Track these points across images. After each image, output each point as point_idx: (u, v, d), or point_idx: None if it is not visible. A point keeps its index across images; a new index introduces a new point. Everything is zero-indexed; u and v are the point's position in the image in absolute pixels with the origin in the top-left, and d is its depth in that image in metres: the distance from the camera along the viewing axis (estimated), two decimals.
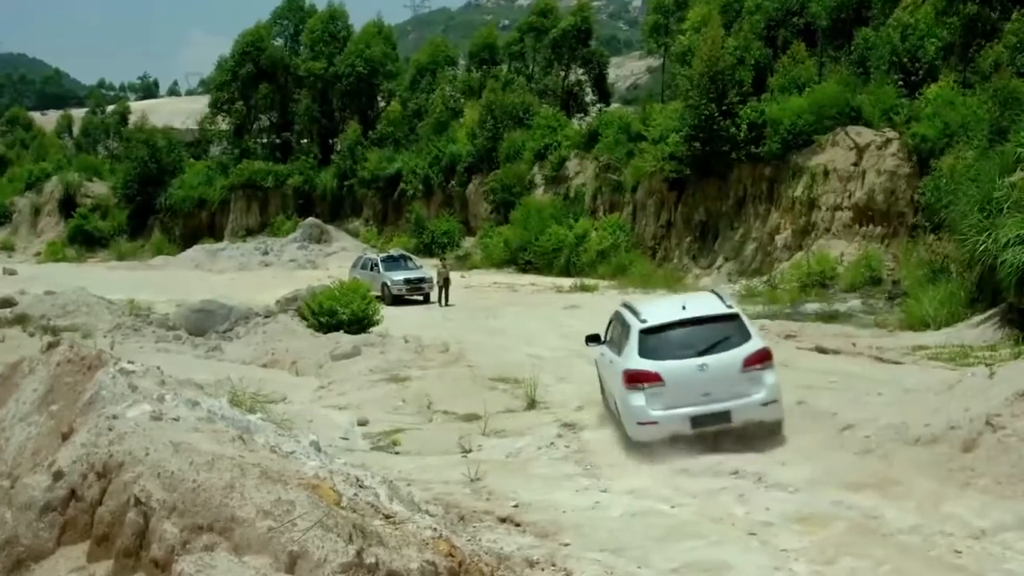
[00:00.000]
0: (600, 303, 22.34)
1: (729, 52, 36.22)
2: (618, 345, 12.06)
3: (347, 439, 13.41)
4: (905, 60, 33.91)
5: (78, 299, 25.68)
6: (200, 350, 22.60)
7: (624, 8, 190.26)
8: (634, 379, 11.15)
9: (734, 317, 11.60)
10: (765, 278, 32.27)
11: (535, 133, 48.47)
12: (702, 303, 12.15)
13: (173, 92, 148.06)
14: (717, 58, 35.55)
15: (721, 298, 12.25)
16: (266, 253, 52.43)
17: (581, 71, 59.58)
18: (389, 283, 32.97)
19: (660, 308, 12.34)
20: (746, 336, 11.35)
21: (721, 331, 11.36)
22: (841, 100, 33.74)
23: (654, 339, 11.34)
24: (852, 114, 33.55)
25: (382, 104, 64.37)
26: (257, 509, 5.32)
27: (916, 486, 9.29)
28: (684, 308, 11.75)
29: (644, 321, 11.60)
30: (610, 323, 13.10)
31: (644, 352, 11.24)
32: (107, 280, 38.26)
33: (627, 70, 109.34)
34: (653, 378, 11.01)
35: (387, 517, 6.06)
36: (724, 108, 35.30)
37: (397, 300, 32.15)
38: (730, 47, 36.46)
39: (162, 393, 7.27)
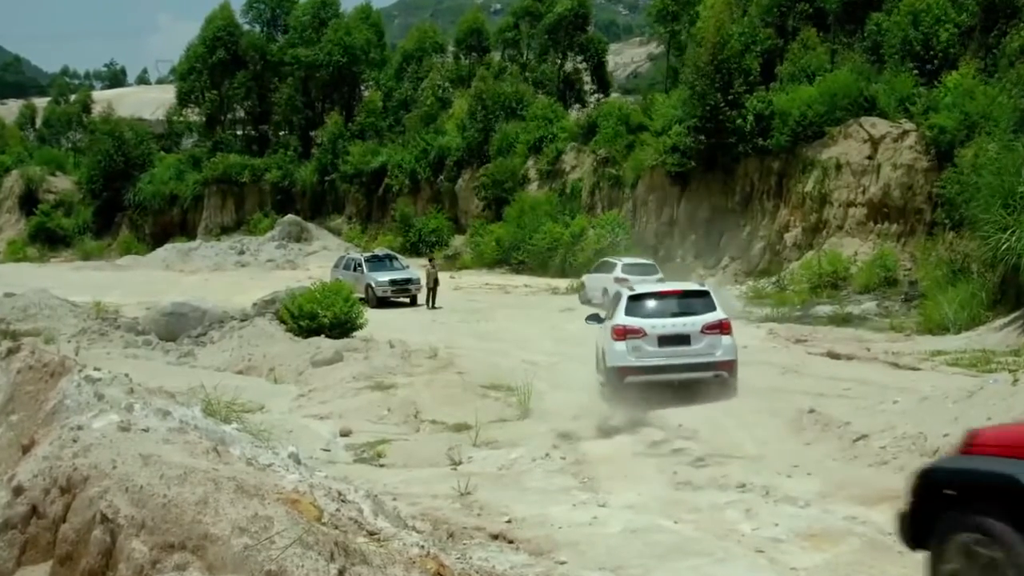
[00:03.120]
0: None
1: (735, 38, 36.29)
2: (611, 313, 16.08)
3: (329, 450, 13.40)
4: (918, 48, 34.02)
5: (40, 301, 25.59)
6: (171, 356, 22.58)
7: None
8: (621, 332, 15.09)
9: (704, 294, 15.88)
10: (774, 279, 32.37)
11: (529, 125, 48.53)
12: (683, 284, 17.63)
13: (142, 80, 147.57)
14: (722, 44, 35.62)
15: (701, 284, 17.47)
16: (242, 252, 52.36)
17: (579, 59, 59.64)
18: (373, 284, 32.95)
19: (648, 285, 18.02)
20: (711, 308, 15.37)
21: (692, 303, 15.60)
22: (854, 89, 33.85)
23: (639, 304, 15.55)
24: (866, 104, 33.66)
25: (366, 94, 64.35)
26: (232, 526, 5.31)
27: None
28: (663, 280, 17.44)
29: (632, 290, 16.60)
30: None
31: (630, 313, 15.37)
32: (71, 281, 38.16)
33: (627, 57, 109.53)
34: (637, 331, 14.99)
35: (371, 534, 6.06)
36: (730, 98, 35.38)
37: (382, 302, 32.13)
38: (736, 33, 36.54)
39: (131, 402, 7.26)
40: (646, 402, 14.21)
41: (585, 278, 32.12)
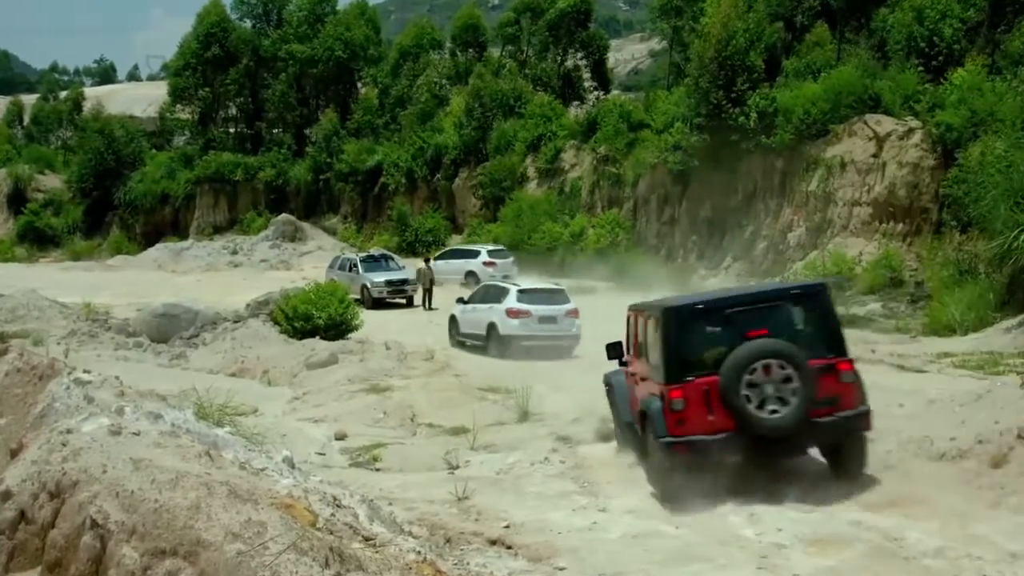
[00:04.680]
0: (599, 306, 22.36)
1: (740, 34, 36.30)
2: (495, 300, 23.08)
3: (323, 454, 13.41)
4: (923, 44, 34.04)
5: (28, 302, 25.60)
6: (163, 358, 22.59)
7: None
8: (515, 313, 22.29)
9: (563, 290, 23.81)
10: (777, 279, 32.33)
11: (528, 122, 48.49)
12: (551, 284, 25.37)
13: (133, 77, 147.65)
14: (727, 40, 35.63)
15: (557, 283, 25.67)
16: (235, 252, 52.33)
17: (579, 55, 59.64)
18: (369, 285, 32.95)
19: (527, 282, 25.40)
20: (568, 300, 22.95)
21: (556, 296, 23.17)
22: (859, 86, 33.84)
23: (525, 295, 22.79)
24: (871, 101, 33.64)
25: (363, 91, 64.29)
26: (225, 531, 5.31)
27: (941, 505, 9.30)
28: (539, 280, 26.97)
29: (518, 285, 23.81)
30: (475, 294, 24.99)
31: (520, 301, 22.51)
32: (61, 282, 38.12)
33: (627, 54, 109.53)
34: (526, 313, 22.24)
35: (367, 539, 6.06)
36: (733, 95, 35.40)
37: (378, 303, 32.15)
38: (741, 29, 36.54)
39: (121, 405, 7.26)
40: (525, 357, 20.89)
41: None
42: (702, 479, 9.63)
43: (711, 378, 9.75)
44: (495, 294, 23.60)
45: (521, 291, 22.94)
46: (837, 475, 10.08)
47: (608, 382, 12.75)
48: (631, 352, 11.88)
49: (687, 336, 10.14)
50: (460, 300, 24.91)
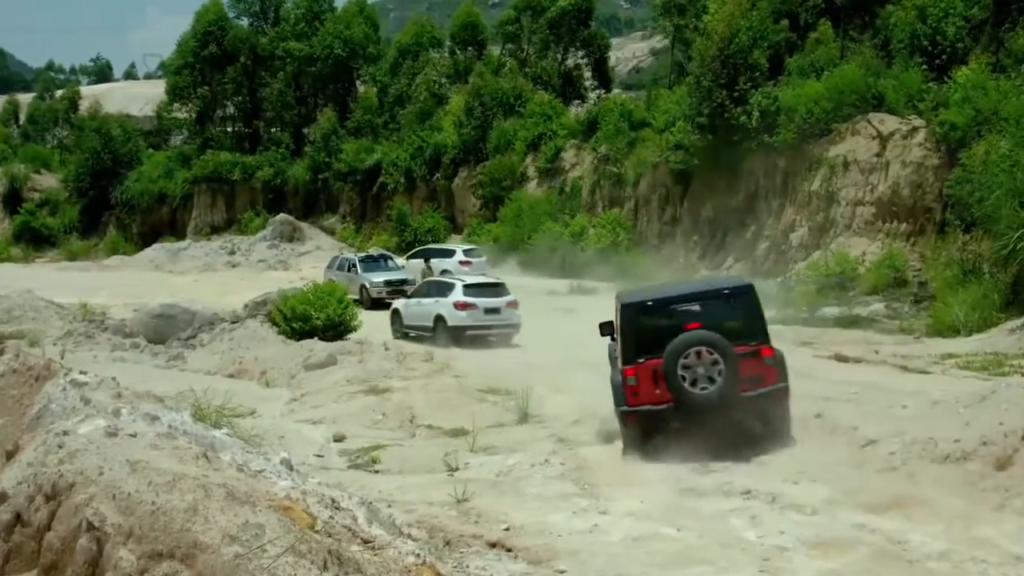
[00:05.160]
0: (600, 307, 22.31)
1: (743, 32, 36.30)
2: (440, 294, 25.40)
3: (322, 456, 13.39)
4: (926, 43, 34.04)
5: (24, 303, 25.59)
6: (160, 359, 22.58)
7: None
8: (462, 305, 24.63)
9: (503, 283, 26.45)
10: (779, 279, 32.34)
11: (528, 122, 48.54)
12: (493, 279, 28.19)
13: (129, 75, 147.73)
14: (731, 38, 35.63)
15: (498, 279, 28.33)
16: (233, 252, 52.33)
17: (580, 54, 59.65)
18: (368, 285, 32.96)
19: (474, 278, 28.13)
20: (509, 293, 25.48)
21: (499, 289, 25.68)
22: (862, 85, 33.87)
23: (471, 289, 25.18)
24: (874, 100, 33.68)
25: (362, 90, 64.32)
26: (223, 534, 5.30)
27: (945, 507, 9.30)
28: (485, 275, 30.26)
29: (463, 281, 26.26)
30: (417, 290, 27.62)
31: (466, 295, 24.82)
32: (57, 282, 38.11)
33: (628, 52, 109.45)
34: (473, 305, 24.57)
35: (366, 542, 6.05)
36: (735, 94, 35.40)
37: (377, 304, 32.11)
38: (744, 27, 36.54)
39: (118, 407, 7.25)
40: (470, 345, 23.41)
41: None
42: (655, 441, 11.92)
43: (658, 360, 11.93)
44: (440, 289, 25.98)
45: (467, 285, 25.50)
46: (768, 437, 12.08)
47: (611, 354, 14.28)
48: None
49: (639, 326, 12.49)
50: (402, 295, 28.09)
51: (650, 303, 12.81)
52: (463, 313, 24.52)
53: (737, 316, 12.55)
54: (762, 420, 12.24)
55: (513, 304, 25.04)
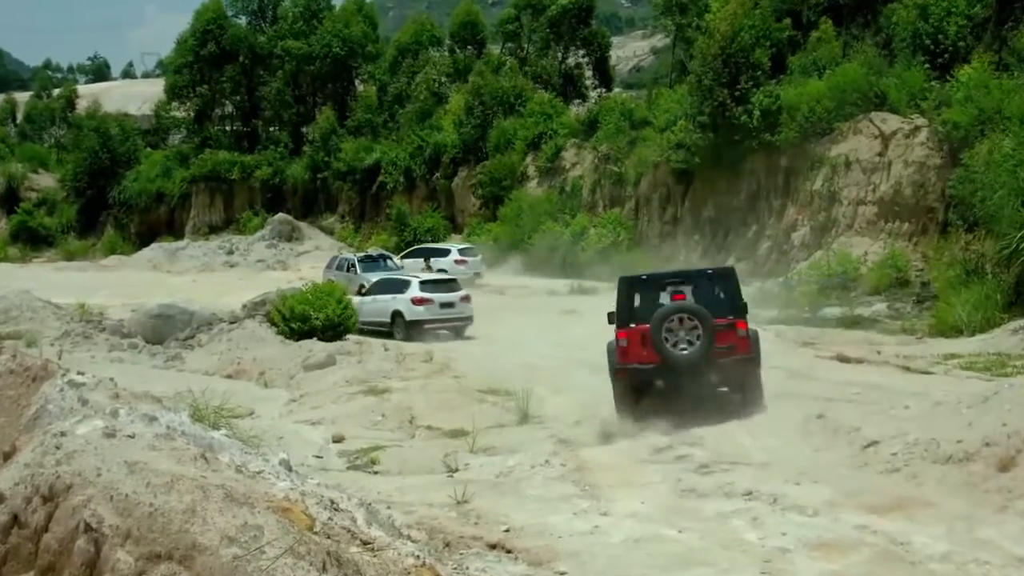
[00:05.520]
0: (600, 307, 22.30)
1: (746, 30, 36.29)
2: (397, 291, 26.96)
3: (321, 457, 13.39)
4: (928, 41, 34.04)
5: (21, 303, 25.57)
6: (158, 360, 22.57)
7: None
8: (419, 301, 26.11)
9: (455, 280, 28.67)
10: (781, 279, 32.35)
11: (528, 121, 48.53)
12: (448, 275, 30.76)
13: (127, 74, 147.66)
14: (733, 37, 35.62)
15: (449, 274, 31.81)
16: (231, 252, 52.35)
17: (581, 52, 59.64)
18: (367, 285, 32.91)
19: (426, 275, 30.00)
20: (460, 288, 27.33)
21: (452, 284, 27.46)
22: (864, 84, 33.86)
23: (426, 285, 26.85)
24: (876, 99, 33.67)
25: (360, 89, 64.32)
26: (221, 535, 5.30)
27: (947, 509, 9.30)
28: (439, 271, 33.64)
29: (419, 278, 28.20)
30: (372, 287, 28.75)
31: (423, 291, 26.47)
32: (54, 282, 38.10)
33: (629, 51, 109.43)
34: (429, 300, 26.14)
35: (365, 543, 6.05)
36: (737, 92, 35.39)
37: None
38: (746, 25, 36.53)
39: (116, 407, 7.25)
40: (433, 340, 24.70)
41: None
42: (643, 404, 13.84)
43: (645, 326, 13.73)
44: (396, 286, 27.62)
45: (423, 282, 27.27)
46: (744, 403, 14.01)
47: (610, 350, 15.45)
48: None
49: (632, 296, 14.44)
50: (358, 293, 28.60)
51: (644, 277, 15.17)
52: (420, 308, 26.02)
53: (718, 294, 14.46)
54: (735, 385, 14.20)
55: (466, 299, 26.83)
